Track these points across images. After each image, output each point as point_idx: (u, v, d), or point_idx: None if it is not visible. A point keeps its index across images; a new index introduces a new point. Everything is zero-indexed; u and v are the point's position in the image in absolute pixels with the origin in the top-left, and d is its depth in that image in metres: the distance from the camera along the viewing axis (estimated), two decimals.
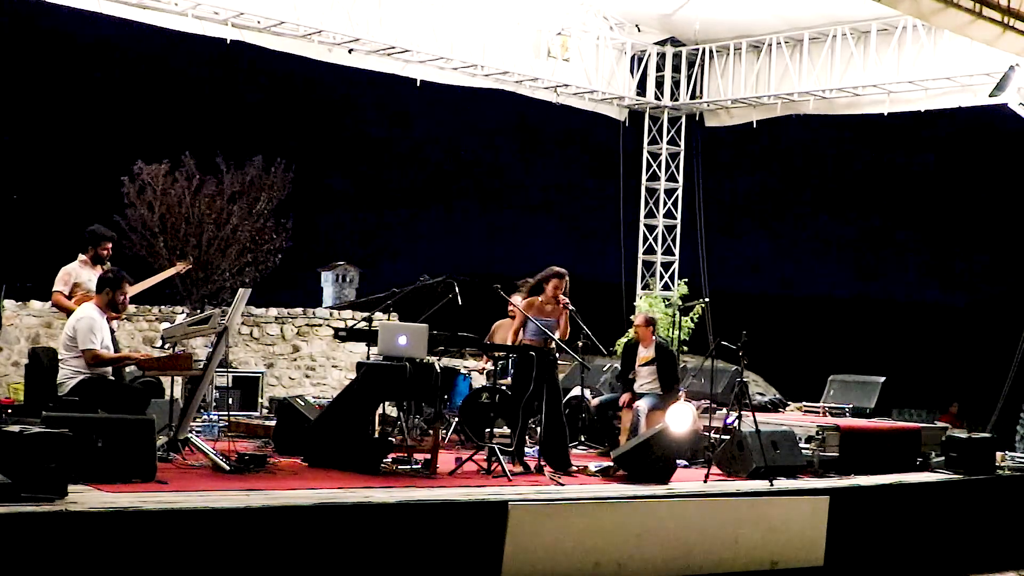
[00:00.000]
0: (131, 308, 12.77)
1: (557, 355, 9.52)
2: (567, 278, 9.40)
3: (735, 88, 16.23)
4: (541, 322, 9.31)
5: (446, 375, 10.28)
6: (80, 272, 9.38)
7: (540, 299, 9.39)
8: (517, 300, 10.92)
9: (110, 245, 9.66)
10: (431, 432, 9.37)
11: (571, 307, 9.45)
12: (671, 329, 14.95)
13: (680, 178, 17.49)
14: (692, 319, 15.77)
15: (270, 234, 15.65)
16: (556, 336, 9.38)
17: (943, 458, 10.62)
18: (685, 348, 15.45)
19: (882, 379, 12.62)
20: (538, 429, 9.58)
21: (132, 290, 9.47)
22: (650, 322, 11.06)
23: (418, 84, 14.61)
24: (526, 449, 10.08)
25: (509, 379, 10.72)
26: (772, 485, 9.10)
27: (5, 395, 11.88)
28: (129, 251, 14.56)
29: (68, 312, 8.75)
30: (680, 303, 15.95)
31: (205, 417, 10.85)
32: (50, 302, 12.61)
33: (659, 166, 17.41)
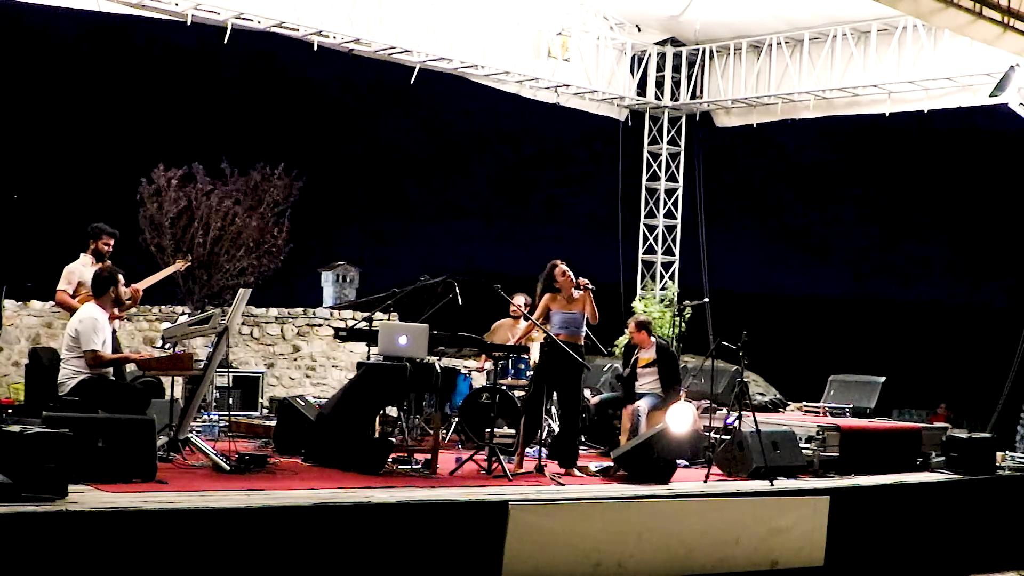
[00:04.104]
0: (134, 308, 12.78)
1: (584, 352, 9.53)
2: (564, 262, 9.43)
3: (735, 88, 16.24)
4: (566, 315, 9.32)
5: (446, 375, 10.29)
6: (84, 271, 9.37)
7: (559, 295, 9.38)
8: (519, 300, 10.95)
9: (112, 241, 9.65)
10: (431, 432, 9.38)
11: (591, 287, 9.46)
12: (670, 328, 14.94)
13: (680, 178, 17.50)
14: (684, 318, 15.76)
15: (272, 234, 15.67)
16: (587, 323, 9.44)
17: (943, 458, 10.63)
18: (680, 345, 15.44)
19: (882, 379, 12.62)
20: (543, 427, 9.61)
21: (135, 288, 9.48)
22: (642, 326, 11.01)
23: (412, 79, 14.57)
24: (526, 450, 10.11)
25: (509, 378, 10.75)
26: (772, 485, 9.10)
27: (5, 395, 11.87)
28: (143, 247, 14.60)
29: (72, 311, 8.74)
30: (676, 304, 15.95)
31: (205, 417, 10.85)
32: (51, 302, 12.61)
33: (659, 166, 17.42)
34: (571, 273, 9.38)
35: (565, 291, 9.37)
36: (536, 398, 9.29)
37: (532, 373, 9.92)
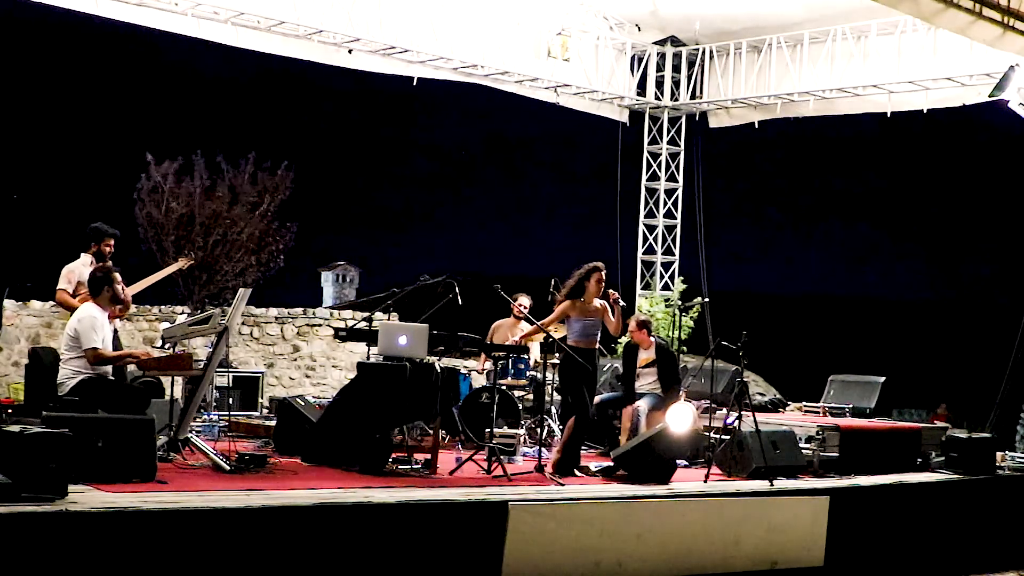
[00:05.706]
0: (131, 308, 12.80)
1: (598, 358, 9.52)
2: (604, 271, 9.39)
3: (735, 88, 16.24)
4: (587, 323, 9.29)
5: (448, 376, 10.28)
6: (84, 271, 9.36)
7: (582, 300, 9.32)
8: (524, 301, 10.96)
9: (113, 241, 9.64)
10: (431, 432, 9.38)
11: (622, 303, 9.45)
12: (671, 329, 14.95)
13: (680, 178, 17.49)
14: (691, 318, 15.77)
15: (273, 235, 15.66)
16: (610, 332, 9.43)
17: (943, 458, 10.63)
18: (684, 348, 15.44)
19: (882, 379, 12.62)
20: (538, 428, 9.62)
21: (135, 288, 9.47)
22: (643, 325, 11.00)
23: (415, 82, 14.57)
24: (524, 449, 10.11)
25: (509, 378, 10.75)
26: (772, 485, 9.10)
27: (5, 395, 11.88)
28: (143, 246, 14.60)
29: (73, 311, 8.72)
30: (680, 303, 15.96)
31: (205, 417, 10.85)
32: (51, 302, 12.60)
33: (659, 166, 17.41)
34: (603, 284, 9.36)
35: (589, 298, 9.32)
36: (582, 399, 9.24)
37: (561, 377, 9.82)
